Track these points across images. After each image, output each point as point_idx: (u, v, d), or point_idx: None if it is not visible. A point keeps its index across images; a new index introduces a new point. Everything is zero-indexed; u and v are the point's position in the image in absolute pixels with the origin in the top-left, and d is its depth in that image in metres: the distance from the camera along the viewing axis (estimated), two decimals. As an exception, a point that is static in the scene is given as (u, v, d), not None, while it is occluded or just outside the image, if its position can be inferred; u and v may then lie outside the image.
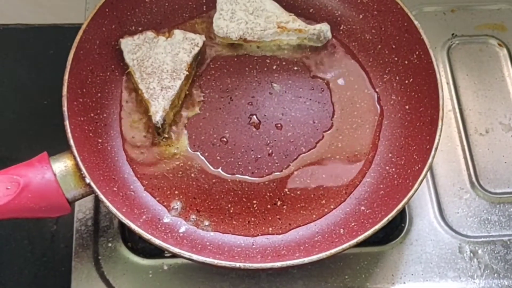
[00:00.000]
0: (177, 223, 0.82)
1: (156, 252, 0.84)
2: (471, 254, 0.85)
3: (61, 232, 0.93)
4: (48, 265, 0.92)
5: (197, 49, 0.89)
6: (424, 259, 0.85)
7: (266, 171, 0.86)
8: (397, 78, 0.90)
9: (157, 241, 0.74)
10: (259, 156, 0.86)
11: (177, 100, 0.88)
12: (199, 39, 0.90)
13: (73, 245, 0.85)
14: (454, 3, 1.04)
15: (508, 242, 0.86)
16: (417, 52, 0.87)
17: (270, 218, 0.83)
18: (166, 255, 0.85)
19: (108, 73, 0.89)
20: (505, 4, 1.04)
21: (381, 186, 0.84)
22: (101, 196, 0.76)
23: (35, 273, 0.91)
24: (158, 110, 0.85)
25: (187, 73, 0.87)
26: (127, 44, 0.89)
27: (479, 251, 0.85)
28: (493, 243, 0.86)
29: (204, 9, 0.96)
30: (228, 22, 0.92)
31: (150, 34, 0.90)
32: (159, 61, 0.87)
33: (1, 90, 1.05)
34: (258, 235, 0.82)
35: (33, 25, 1.11)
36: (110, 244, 0.85)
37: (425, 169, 0.78)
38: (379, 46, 0.91)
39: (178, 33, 0.90)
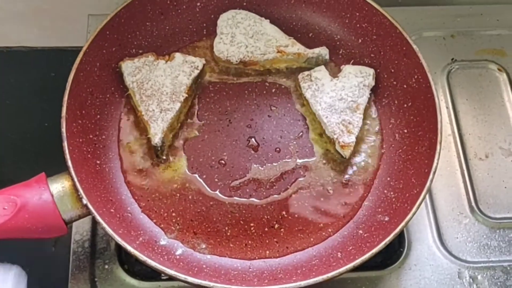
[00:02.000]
0: (173, 245, 0.81)
1: (152, 274, 0.84)
2: (471, 280, 0.84)
3: (60, 254, 0.93)
4: (47, 286, 0.91)
5: (197, 72, 0.90)
6: (422, 284, 0.84)
7: (264, 193, 0.86)
8: (396, 102, 0.90)
9: (153, 263, 0.74)
10: (257, 178, 0.86)
11: (176, 122, 0.88)
12: (199, 62, 0.91)
13: (69, 267, 0.85)
14: (454, 29, 1.05)
15: (508, 268, 0.85)
16: (416, 76, 0.87)
17: (267, 241, 0.83)
18: (162, 277, 0.84)
19: (108, 95, 0.89)
20: (505, 29, 1.05)
21: (379, 209, 0.84)
22: (98, 218, 0.76)
23: (33, 294, 0.90)
24: (157, 132, 0.85)
25: (186, 95, 0.88)
26: (128, 67, 0.89)
27: (479, 277, 0.84)
28: (492, 268, 0.85)
29: (205, 33, 0.96)
30: (229, 46, 0.92)
31: (150, 57, 0.90)
32: (159, 83, 0.88)
33: (3, 111, 1.06)
34: (255, 258, 0.81)
35: (36, 47, 1.12)
36: (106, 266, 0.85)
37: (423, 193, 0.78)
38: (378, 70, 0.91)
39: (178, 56, 0.91)
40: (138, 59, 0.90)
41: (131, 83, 0.89)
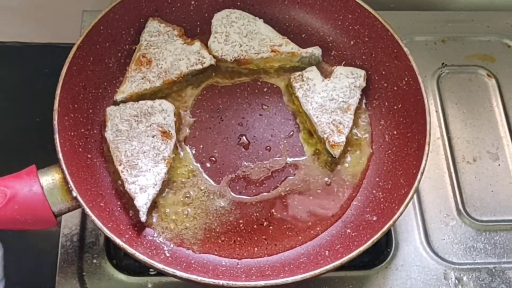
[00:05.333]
0: (162, 240, 0.82)
1: (140, 269, 0.84)
2: (456, 281, 0.85)
3: (47, 250, 0.92)
4: (33, 281, 0.91)
5: (199, 66, 0.91)
6: (409, 285, 0.85)
7: (254, 191, 0.86)
8: (386, 103, 0.91)
9: (141, 257, 0.74)
10: (247, 176, 0.87)
11: (148, 94, 0.90)
12: (208, 61, 0.91)
13: (57, 260, 0.85)
14: (445, 34, 1.06)
15: (493, 270, 0.86)
16: (406, 79, 0.88)
17: (256, 238, 0.83)
18: (150, 273, 0.84)
19: (101, 90, 0.90)
20: (495, 36, 1.06)
21: (368, 209, 0.84)
22: (87, 210, 0.76)
23: (20, 288, 0.90)
24: (124, 91, 0.88)
25: (175, 79, 0.90)
26: (152, 25, 0.92)
27: (464, 278, 0.85)
28: (478, 270, 0.86)
29: (198, 31, 0.97)
30: (223, 45, 0.93)
31: (175, 31, 0.93)
32: (162, 55, 0.90)
33: (-5, 105, 1.06)
34: (243, 255, 0.82)
35: (30, 43, 1.12)
36: (95, 261, 0.85)
37: (411, 193, 0.79)
38: (369, 72, 0.92)
39: (196, 45, 0.93)
40: (165, 25, 0.93)
41: (144, 40, 0.91)
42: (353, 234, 0.82)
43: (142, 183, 0.81)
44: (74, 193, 0.76)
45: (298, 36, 0.97)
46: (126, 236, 0.79)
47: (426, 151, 0.81)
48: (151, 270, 0.84)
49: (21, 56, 1.12)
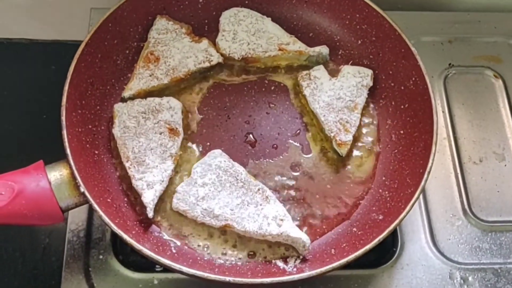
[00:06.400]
0: (169, 237, 0.82)
1: (146, 266, 0.84)
2: (462, 281, 0.85)
3: (53, 246, 0.93)
4: (39, 277, 0.91)
5: (207, 64, 0.91)
6: (414, 284, 0.85)
7: (260, 189, 0.86)
8: (393, 103, 0.91)
9: (148, 253, 0.74)
10: (254, 174, 0.87)
11: (156, 91, 0.90)
12: (216, 59, 0.92)
13: (64, 256, 0.85)
14: (452, 34, 1.06)
15: (499, 270, 0.86)
16: (413, 78, 0.88)
17: (262, 236, 0.83)
18: (156, 269, 0.85)
19: (108, 87, 0.90)
20: (502, 37, 1.06)
21: (374, 208, 0.84)
22: (95, 206, 0.76)
23: (25, 285, 0.90)
24: (132, 88, 0.88)
25: (183, 77, 0.90)
26: (161, 23, 0.93)
27: (470, 278, 0.85)
28: (483, 270, 0.86)
29: (206, 29, 0.97)
30: (231, 43, 0.93)
31: (183, 29, 0.93)
32: (170, 53, 0.91)
33: (2, 101, 1.06)
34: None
35: (37, 40, 1.12)
36: (101, 256, 0.85)
37: (417, 193, 0.79)
38: (376, 71, 0.92)
39: (204, 43, 0.93)
40: (173, 23, 0.93)
41: (152, 37, 0.92)
42: (359, 233, 0.82)
43: (149, 180, 0.81)
44: (82, 189, 0.76)
45: (306, 35, 0.97)
46: (133, 232, 0.79)
47: (432, 151, 0.81)
48: (157, 266, 0.84)
49: (28, 53, 1.12)
